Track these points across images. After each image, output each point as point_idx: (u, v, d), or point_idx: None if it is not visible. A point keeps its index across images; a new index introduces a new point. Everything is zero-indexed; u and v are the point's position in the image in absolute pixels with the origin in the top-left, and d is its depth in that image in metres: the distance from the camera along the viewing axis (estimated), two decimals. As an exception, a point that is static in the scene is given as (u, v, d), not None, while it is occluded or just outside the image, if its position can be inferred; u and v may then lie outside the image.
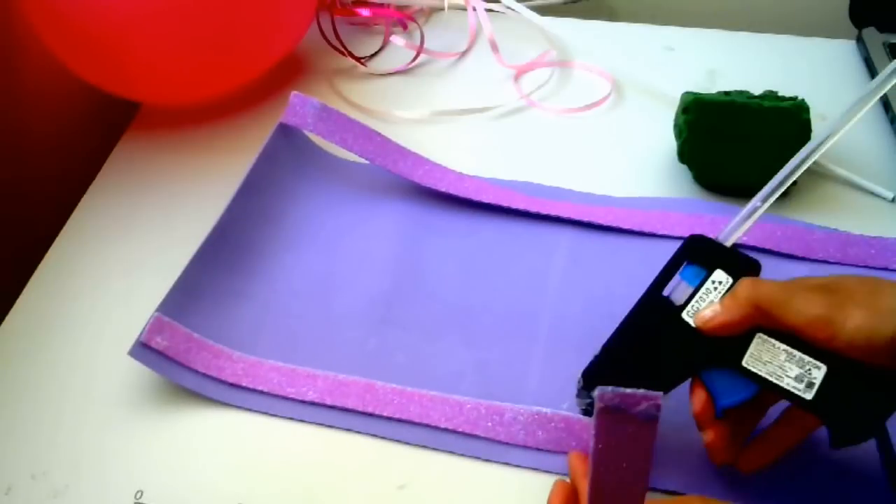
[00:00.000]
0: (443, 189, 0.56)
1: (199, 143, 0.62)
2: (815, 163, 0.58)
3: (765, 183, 0.56)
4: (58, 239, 0.56)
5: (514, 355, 0.48)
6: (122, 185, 0.59)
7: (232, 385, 0.47)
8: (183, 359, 0.47)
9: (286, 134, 0.57)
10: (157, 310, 0.47)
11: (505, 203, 0.55)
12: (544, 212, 0.54)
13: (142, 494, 0.43)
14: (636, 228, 0.54)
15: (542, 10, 0.70)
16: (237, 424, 0.46)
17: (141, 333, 0.46)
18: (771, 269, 0.50)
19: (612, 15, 0.81)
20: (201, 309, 0.49)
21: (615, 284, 0.51)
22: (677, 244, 0.47)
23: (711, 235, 0.49)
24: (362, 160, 0.57)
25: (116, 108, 0.64)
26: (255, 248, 0.53)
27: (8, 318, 0.51)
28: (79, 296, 0.52)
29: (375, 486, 0.44)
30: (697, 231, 0.49)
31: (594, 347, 0.44)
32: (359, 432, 0.46)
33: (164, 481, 0.43)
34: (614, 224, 0.54)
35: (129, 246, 0.55)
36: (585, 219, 0.54)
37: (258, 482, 0.44)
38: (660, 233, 0.53)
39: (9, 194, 0.60)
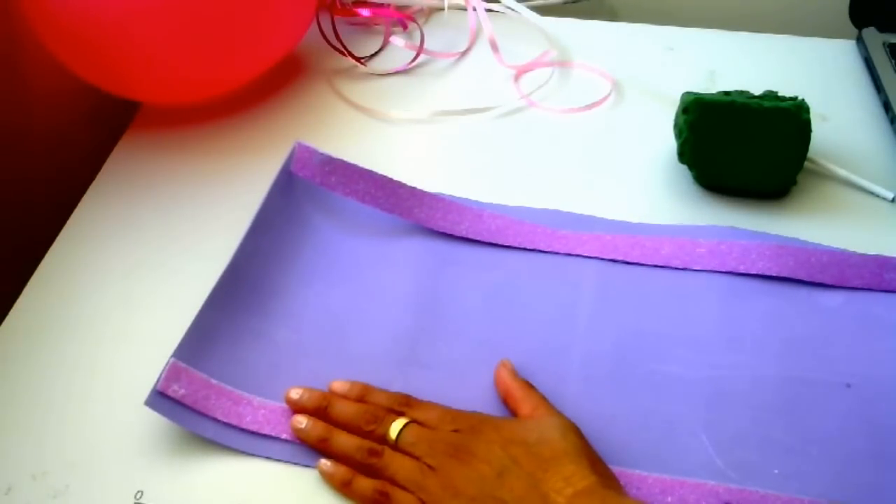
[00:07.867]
0: (461, 233, 0.54)
1: (199, 143, 0.62)
2: (815, 163, 0.58)
3: (765, 183, 0.56)
4: (58, 239, 0.56)
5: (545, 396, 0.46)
6: (122, 185, 0.59)
7: (253, 433, 0.45)
8: (202, 406, 0.44)
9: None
10: (173, 355, 0.45)
11: (528, 245, 0.53)
12: (566, 251, 0.53)
13: (142, 494, 0.43)
14: (663, 264, 0.52)
15: (542, 10, 0.70)
16: (237, 424, 0.46)
17: (157, 381, 0.44)
18: (804, 299, 0.50)
19: (612, 15, 0.81)
20: (218, 352, 0.47)
21: (646, 318, 0.50)
22: (706, 275, 0.48)
23: (742, 269, 0.49)
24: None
25: (116, 108, 0.64)
26: (271, 286, 0.51)
27: (8, 318, 0.51)
28: (79, 296, 0.52)
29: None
30: (729, 261, 0.49)
31: (627, 386, 0.45)
32: None
33: (164, 481, 0.43)
34: (641, 261, 0.52)
35: (129, 246, 0.55)
36: (610, 256, 0.53)
37: (259, 482, 0.44)
38: (690, 267, 0.52)
39: (9, 194, 0.60)
